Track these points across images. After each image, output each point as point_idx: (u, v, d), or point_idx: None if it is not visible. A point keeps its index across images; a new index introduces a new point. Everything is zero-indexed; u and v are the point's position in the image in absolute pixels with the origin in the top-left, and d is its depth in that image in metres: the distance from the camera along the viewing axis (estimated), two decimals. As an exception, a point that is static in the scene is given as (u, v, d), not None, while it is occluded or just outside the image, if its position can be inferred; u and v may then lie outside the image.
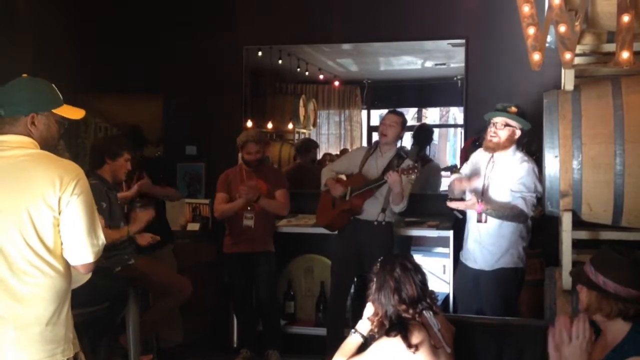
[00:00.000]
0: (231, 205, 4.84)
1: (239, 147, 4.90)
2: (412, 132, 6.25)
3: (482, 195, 3.87)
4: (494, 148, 3.89)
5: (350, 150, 6.82)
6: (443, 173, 6.09)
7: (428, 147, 6.43)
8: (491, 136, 3.89)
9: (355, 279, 4.90)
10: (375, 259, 2.78)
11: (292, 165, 6.46)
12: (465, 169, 4.16)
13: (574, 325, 2.34)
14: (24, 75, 2.47)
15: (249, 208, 4.83)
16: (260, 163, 4.90)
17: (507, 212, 3.78)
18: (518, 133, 3.89)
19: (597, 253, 2.45)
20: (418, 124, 7.10)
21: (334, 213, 4.69)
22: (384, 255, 2.82)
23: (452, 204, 3.91)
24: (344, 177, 4.81)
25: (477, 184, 3.95)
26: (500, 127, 3.86)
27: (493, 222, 3.86)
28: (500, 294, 3.90)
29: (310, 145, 6.67)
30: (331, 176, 4.76)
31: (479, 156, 4.06)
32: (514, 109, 3.89)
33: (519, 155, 3.93)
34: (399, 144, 4.81)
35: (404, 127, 4.71)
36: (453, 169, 4.57)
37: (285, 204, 4.91)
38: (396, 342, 2.51)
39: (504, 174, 3.88)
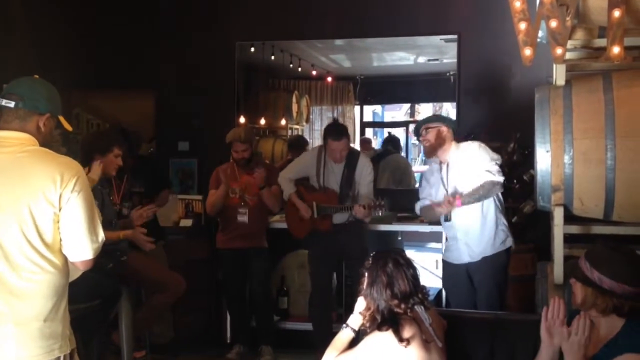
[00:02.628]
0: (217, 193, 4.83)
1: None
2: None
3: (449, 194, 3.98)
4: (431, 152, 4.06)
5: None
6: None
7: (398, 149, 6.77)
8: (423, 145, 4.10)
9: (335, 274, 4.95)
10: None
11: (284, 162, 6.45)
12: (424, 190, 4.24)
13: (575, 321, 2.36)
14: (36, 76, 2.47)
15: (242, 204, 4.82)
16: (248, 161, 4.87)
17: (482, 192, 3.91)
18: (444, 129, 4.03)
19: (592, 249, 2.45)
20: (406, 118, 7.17)
21: (305, 229, 4.71)
22: (375, 250, 2.83)
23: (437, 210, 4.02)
24: (314, 183, 4.76)
25: (442, 193, 4.05)
26: (424, 135, 4.04)
27: (472, 215, 3.95)
28: (496, 277, 4.00)
29: (302, 142, 6.67)
30: (291, 187, 4.72)
31: (431, 170, 4.20)
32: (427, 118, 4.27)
33: (461, 144, 4.08)
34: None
35: (349, 142, 4.72)
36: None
37: (278, 199, 4.92)
38: (388, 336, 2.52)
39: (460, 167, 4.00)
